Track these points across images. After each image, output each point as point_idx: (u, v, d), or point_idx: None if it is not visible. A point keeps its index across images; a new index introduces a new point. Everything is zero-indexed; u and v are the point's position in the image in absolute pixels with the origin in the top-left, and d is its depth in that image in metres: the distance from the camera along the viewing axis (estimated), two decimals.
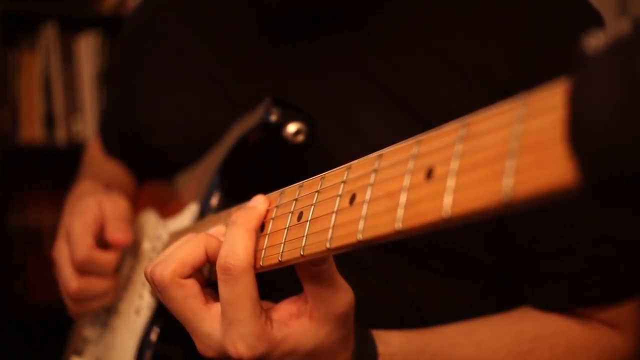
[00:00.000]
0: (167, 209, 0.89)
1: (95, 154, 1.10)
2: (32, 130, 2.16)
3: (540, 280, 0.70)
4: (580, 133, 0.26)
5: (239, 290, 0.51)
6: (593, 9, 0.69)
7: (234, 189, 0.75)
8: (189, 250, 0.55)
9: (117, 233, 0.79)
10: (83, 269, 0.78)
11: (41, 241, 2.22)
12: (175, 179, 0.90)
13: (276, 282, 0.59)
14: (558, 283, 0.69)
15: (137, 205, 1.00)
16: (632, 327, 0.71)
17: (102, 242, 0.80)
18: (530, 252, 0.70)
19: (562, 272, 0.69)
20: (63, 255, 0.80)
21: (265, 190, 0.57)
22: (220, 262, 0.52)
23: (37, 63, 2.17)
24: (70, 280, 0.78)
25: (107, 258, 0.79)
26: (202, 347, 0.55)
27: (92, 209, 0.81)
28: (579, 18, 0.68)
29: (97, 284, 0.79)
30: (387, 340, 0.60)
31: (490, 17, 0.69)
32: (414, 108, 0.69)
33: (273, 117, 0.68)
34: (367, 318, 0.59)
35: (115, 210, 0.81)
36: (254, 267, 0.52)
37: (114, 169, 1.05)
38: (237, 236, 0.52)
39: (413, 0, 0.72)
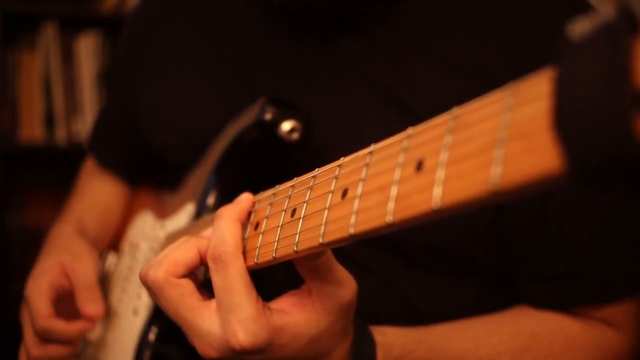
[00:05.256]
0: (165, 210, 0.89)
1: (87, 174, 1.07)
2: (32, 130, 2.16)
3: (538, 279, 0.70)
4: (565, 120, 0.26)
5: (231, 276, 0.51)
6: (593, 10, 0.69)
7: (230, 188, 0.75)
8: (181, 251, 0.55)
9: (88, 305, 0.78)
10: (42, 338, 0.79)
11: (41, 241, 2.21)
12: (173, 180, 0.90)
13: (274, 285, 0.59)
14: (555, 282, 0.69)
15: (135, 206, 1.00)
16: (630, 325, 0.71)
17: (69, 307, 0.79)
18: (527, 251, 0.70)
19: (559, 272, 0.69)
20: (25, 319, 0.82)
21: (262, 189, 0.57)
22: (209, 253, 0.52)
23: (37, 63, 2.17)
24: (31, 347, 0.80)
25: (68, 330, 0.78)
26: (203, 348, 0.54)
27: (48, 272, 0.81)
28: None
29: (57, 351, 0.79)
30: (383, 331, 0.60)
31: (490, 19, 0.69)
32: (414, 109, 0.69)
33: (267, 116, 0.69)
34: (363, 318, 0.59)
35: (84, 276, 0.80)
36: (250, 264, 0.52)
37: (102, 191, 1.03)
38: (222, 227, 0.53)
39: (412, 2, 0.72)
